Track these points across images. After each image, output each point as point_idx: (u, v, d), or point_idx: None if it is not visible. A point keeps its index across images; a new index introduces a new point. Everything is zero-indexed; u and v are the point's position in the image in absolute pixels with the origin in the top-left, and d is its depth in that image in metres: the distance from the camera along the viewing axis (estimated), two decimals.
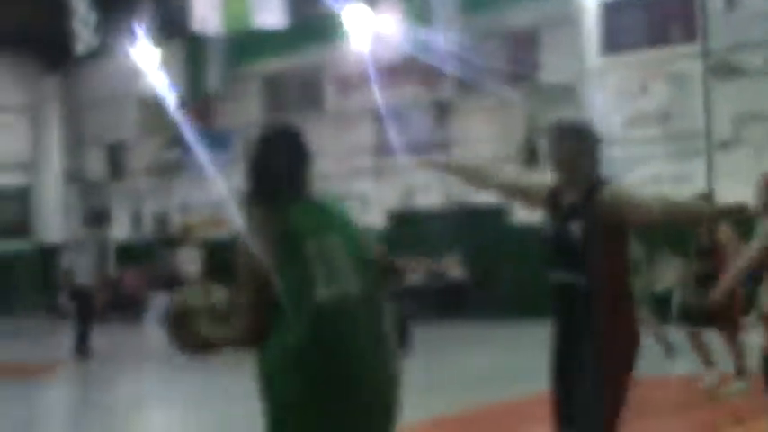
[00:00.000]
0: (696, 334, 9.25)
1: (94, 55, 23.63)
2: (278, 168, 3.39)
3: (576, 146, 4.36)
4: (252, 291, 3.26)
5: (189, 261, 18.92)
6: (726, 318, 8.72)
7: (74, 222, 25.32)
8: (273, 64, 22.37)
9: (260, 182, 3.41)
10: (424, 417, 7.78)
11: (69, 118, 26.73)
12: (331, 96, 22.13)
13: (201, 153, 23.55)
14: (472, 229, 18.66)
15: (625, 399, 4.12)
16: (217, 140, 23.47)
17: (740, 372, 8.79)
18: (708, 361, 9.26)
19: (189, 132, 24.02)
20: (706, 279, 8.47)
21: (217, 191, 23.06)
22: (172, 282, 19.62)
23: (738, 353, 8.86)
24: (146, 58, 23.92)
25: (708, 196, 9.91)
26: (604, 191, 4.21)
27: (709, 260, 8.90)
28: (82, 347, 14.25)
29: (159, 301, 20.87)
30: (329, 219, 3.40)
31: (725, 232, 8.73)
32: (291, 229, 3.28)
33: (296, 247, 3.25)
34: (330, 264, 3.26)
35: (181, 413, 9.90)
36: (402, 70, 20.23)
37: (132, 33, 22.82)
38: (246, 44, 21.02)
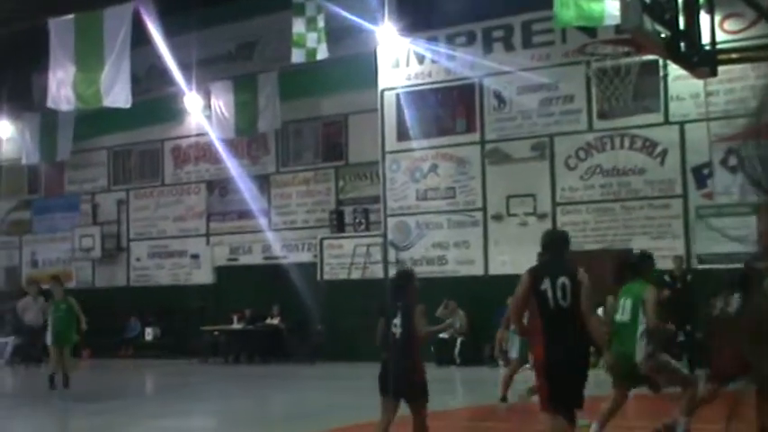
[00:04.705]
0: None
1: None
2: None
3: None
4: None
5: (28, 309, 19.79)
6: None
7: None
8: (119, 138, 23.94)
9: None
10: None
11: None
12: (169, 168, 23.72)
13: (51, 214, 24.53)
14: (288, 282, 20.15)
15: None
16: (66, 204, 24.74)
17: None
18: None
19: (41, 195, 25.23)
20: None
21: (64, 248, 24.45)
22: (18, 328, 20.63)
23: None
24: (3, 128, 25.15)
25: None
26: None
27: None
28: None
29: (6, 345, 22.05)
30: None
31: None
32: None
33: None
34: None
35: None
36: (231, 147, 22.05)
37: None
38: (95, 120, 22.28)
